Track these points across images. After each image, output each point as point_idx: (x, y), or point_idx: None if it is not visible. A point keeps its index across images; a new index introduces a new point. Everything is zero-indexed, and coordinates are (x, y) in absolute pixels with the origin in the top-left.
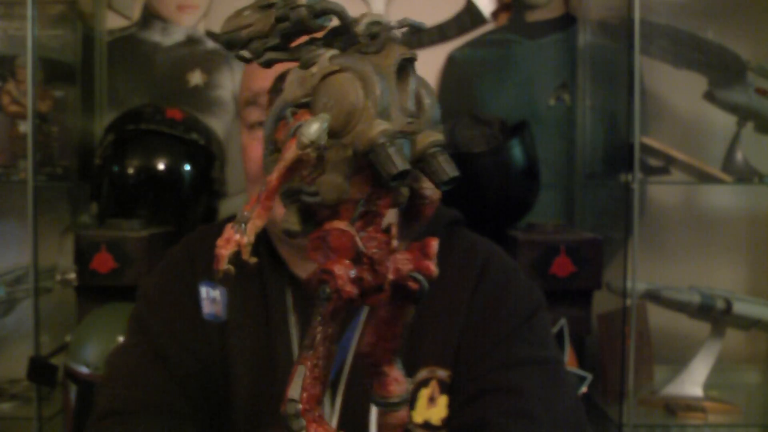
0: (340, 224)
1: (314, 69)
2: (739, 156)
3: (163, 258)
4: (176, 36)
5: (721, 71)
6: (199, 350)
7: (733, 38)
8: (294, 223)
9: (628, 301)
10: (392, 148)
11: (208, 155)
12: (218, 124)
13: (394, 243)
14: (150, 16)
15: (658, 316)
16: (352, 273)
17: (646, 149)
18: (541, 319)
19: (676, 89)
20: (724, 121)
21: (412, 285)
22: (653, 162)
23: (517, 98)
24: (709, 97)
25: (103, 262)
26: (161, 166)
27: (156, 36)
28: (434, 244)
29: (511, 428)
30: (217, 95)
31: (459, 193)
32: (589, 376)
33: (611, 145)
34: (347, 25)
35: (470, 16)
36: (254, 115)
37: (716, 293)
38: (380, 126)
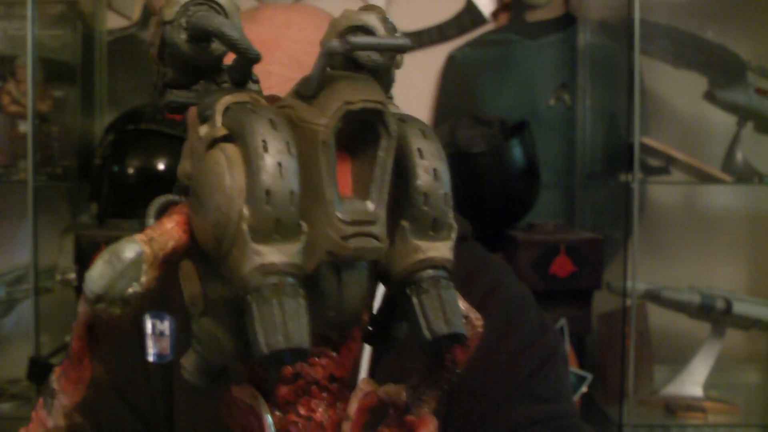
0: (244, 392)
1: (203, 130)
2: (739, 156)
3: None
4: None
5: (721, 71)
6: (141, 403)
7: (733, 38)
8: (188, 371)
9: (628, 301)
10: (269, 306)
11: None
12: None
13: (347, 429)
14: (150, 16)
15: (658, 316)
16: None
17: (646, 149)
18: (555, 367)
19: (676, 89)
20: (724, 121)
21: None
22: (653, 162)
23: (517, 98)
24: (709, 97)
25: None
26: (161, 166)
27: None
28: (430, 428)
29: None
30: None
31: (459, 193)
32: (589, 376)
33: (611, 145)
34: (238, 52)
35: (470, 16)
36: None
37: (716, 293)
38: (258, 257)
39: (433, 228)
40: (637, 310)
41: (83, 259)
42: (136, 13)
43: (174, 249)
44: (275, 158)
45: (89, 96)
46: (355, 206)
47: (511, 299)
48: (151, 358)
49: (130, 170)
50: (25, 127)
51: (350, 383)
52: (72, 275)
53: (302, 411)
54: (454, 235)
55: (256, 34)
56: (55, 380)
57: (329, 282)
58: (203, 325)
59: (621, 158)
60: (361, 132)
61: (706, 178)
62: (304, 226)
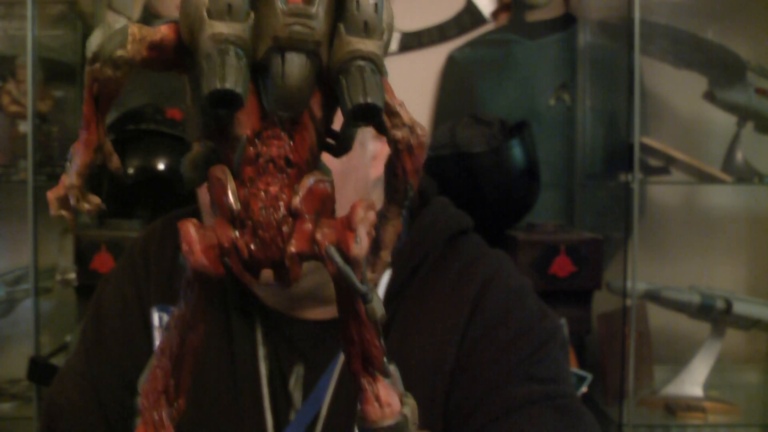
0: (217, 170)
1: None
2: (739, 156)
3: (123, 254)
4: None
5: (721, 71)
6: None
7: (733, 38)
8: (183, 165)
9: (628, 301)
10: (213, 61)
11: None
12: None
13: (296, 200)
14: (150, 16)
15: (658, 316)
16: (224, 238)
17: (646, 149)
18: (552, 351)
19: (676, 89)
20: (724, 121)
21: (329, 266)
22: (653, 162)
23: (517, 98)
24: (709, 97)
25: (103, 262)
26: (161, 166)
27: None
28: (359, 210)
29: None
30: None
31: (459, 193)
32: (589, 376)
33: (611, 145)
34: None
35: (470, 16)
36: None
37: (716, 293)
38: (211, 28)
39: (365, 30)
40: (637, 310)
41: (83, 259)
42: (136, 13)
43: (162, 40)
44: None
45: None
46: (299, 6)
47: (510, 287)
48: None
49: (130, 170)
50: (25, 127)
51: (306, 172)
52: (72, 275)
53: (261, 186)
54: (386, 38)
55: None
56: (72, 147)
57: (275, 65)
58: (187, 109)
59: (621, 158)
60: None
61: (706, 178)
62: (252, 13)
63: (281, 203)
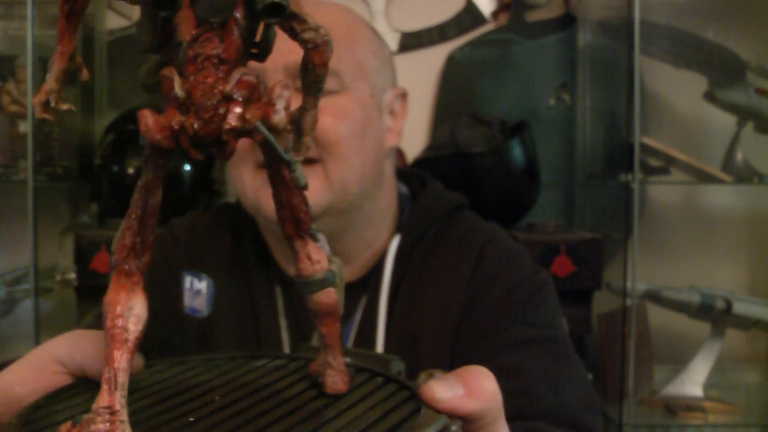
0: (166, 70)
1: None
2: (739, 156)
3: None
4: None
5: (721, 71)
6: (174, 346)
7: (733, 38)
8: (140, 75)
9: (628, 301)
10: None
11: (208, 155)
12: None
13: (228, 87)
14: None
15: (658, 316)
16: (173, 121)
17: (646, 149)
18: (546, 299)
19: (676, 89)
20: (724, 121)
21: (257, 136)
22: (653, 162)
23: (517, 98)
24: (709, 97)
25: (103, 262)
26: None
27: None
28: (276, 89)
29: (512, 405)
30: None
31: (459, 193)
32: (589, 376)
33: (611, 145)
34: None
35: (470, 16)
36: None
37: (716, 293)
38: None
39: None
40: (637, 310)
41: (83, 259)
42: (136, 13)
43: None
44: None
45: (89, 96)
46: None
47: (506, 248)
48: (187, 311)
49: (130, 170)
50: (25, 127)
51: (235, 68)
52: (72, 275)
53: (201, 78)
54: None
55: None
56: (51, 59)
57: None
58: (140, 24)
59: (621, 158)
60: None
61: (706, 178)
62: None
63: (217, 91)
